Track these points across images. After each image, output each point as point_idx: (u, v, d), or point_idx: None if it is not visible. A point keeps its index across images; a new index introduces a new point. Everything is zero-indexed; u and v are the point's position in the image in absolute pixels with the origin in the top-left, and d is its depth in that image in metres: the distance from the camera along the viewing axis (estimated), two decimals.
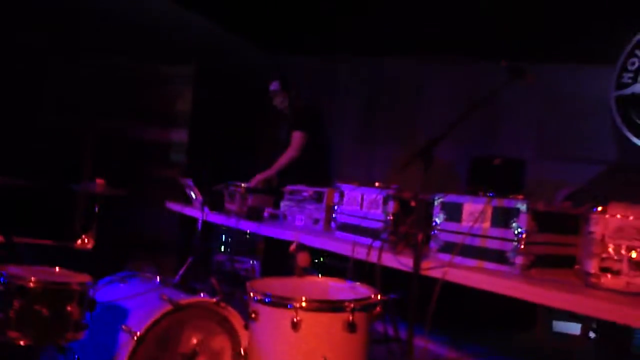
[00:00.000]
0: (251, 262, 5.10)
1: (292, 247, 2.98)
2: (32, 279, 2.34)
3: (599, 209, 2.25)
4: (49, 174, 4.92)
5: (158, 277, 3.01)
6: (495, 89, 2.67)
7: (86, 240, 2.99)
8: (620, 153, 5.21)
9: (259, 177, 4.76)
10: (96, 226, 3.01)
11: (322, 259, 4.16)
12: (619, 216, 2.23)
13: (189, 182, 4.53)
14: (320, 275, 3.26)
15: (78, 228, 5.68)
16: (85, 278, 2.53)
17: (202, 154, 6.00)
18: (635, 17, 5.19)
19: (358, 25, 6.07)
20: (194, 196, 4.57)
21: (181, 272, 4.04)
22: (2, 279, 2.32)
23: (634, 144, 4.80)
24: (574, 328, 3.91)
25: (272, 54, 6.91)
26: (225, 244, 5.30)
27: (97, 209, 2.99)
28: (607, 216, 2.23)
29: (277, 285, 2.43)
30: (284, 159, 4.87)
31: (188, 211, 4.74)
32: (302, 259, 2.84)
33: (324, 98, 6.47)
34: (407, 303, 2.37)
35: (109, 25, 5.72)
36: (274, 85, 5.02)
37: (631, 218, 2.21)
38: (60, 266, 2.68)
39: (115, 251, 4.44)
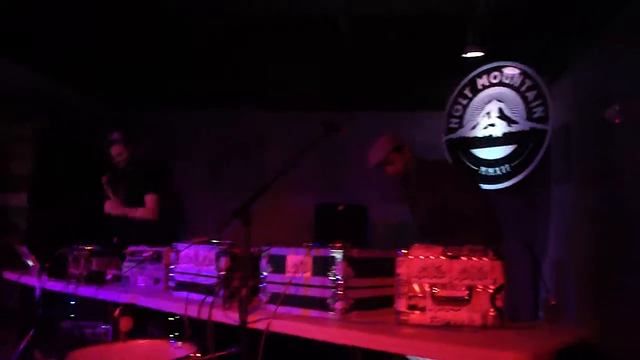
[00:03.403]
0: (103, 326, 4.89)
1: (116, 312, 2.93)
2: None
3: (403, 252, 2.43)
4: None
5: None
6: (312, 143, 2.81)
7: None
8: None
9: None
10: None
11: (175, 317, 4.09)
12: (421, 257, 2.42)
13: (24, 249, 4.31)
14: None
15: None
16: None
17: (44, 217, 5.74)
18: (456, 68, 5.72)
19: (202, 80, 6.20)
20: (30, 263, 4.35)
21: (21, 345, 3.82)
22: None
23: None
24: None
25: (117, 109, 6.83)
26: (73, 310, 5.05)
27: None
28: (410, 258, 2.42)
29: (97, 353, 2.38)
30: (139, 214, 4.73)
31: (25, 280, 4.48)
32: (125, 323, 2.80)
33: (171, 152, 6.46)
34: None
35: None
36: (115, 135, 4.86)
37: (432, 258, 2.42)
38: None
39: None
